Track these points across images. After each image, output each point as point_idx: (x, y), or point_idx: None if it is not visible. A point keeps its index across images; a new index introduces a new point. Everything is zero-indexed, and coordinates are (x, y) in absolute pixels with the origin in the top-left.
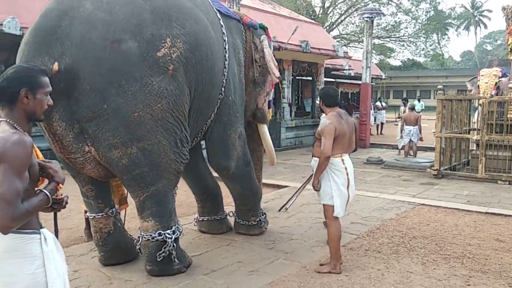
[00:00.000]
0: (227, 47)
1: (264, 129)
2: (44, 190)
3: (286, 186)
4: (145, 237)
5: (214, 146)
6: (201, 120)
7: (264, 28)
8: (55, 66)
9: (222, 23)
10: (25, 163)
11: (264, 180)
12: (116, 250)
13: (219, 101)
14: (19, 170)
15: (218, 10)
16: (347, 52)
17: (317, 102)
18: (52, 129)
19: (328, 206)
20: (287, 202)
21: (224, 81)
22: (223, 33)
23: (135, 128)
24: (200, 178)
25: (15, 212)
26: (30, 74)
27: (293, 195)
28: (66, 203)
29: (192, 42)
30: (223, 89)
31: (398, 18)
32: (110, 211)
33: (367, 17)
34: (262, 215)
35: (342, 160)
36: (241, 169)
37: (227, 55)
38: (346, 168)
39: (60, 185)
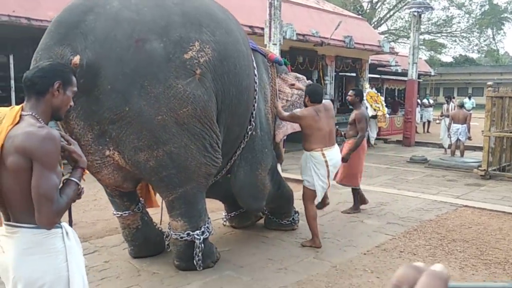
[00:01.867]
0: (257, 81)
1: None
2: (73, 179)
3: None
4: (174, 236)
5: (242, 188)
6: (228, 145)
7: (287, 64)
8: (76, 59)
9: (252, 56)
10: (57, 157)
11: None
12: (145, 244)
13: (247, 133)
14: (53, 165)
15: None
16: (393, 48)
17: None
18: (69, 127)
19: (310, 190)
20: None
21: (253, 111)
22: (254, 67)
23: (160, 132)
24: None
25: (58, 207)
26: (64, 69)
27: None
28: (82, 193)
29: (221, 51)
30: (252, 118)
31: (450, 12)
32: (136, 207)
33: (415, 12)
34: (295, 213)
35: (323, 154)
36: (272, 197)
37: (257, 89)
38: (326, 161)
39: (86, 170)
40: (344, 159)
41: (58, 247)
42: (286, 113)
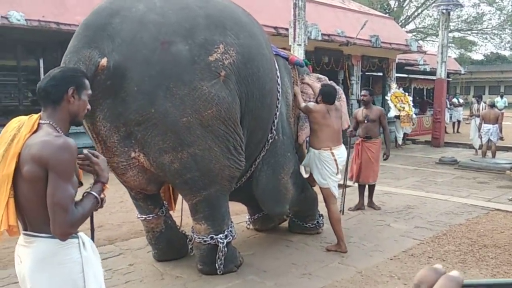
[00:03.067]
0: (279, 85)
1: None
2: (93, 193)
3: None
4: (197, 239)
5: (265, 192)
6: (251, 149)
7: (307, 64)
8: (104, 61)
9: (275, 60)
10: (73, 167)
11: None
12: (169, 248)
13: (270, 137)
14: (68, 175)
15: None
16: (421, 47)
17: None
18: (95, 128)
19: (325, 189)
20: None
21: (275, 115)
22: (276, 71)
23: (184, 134)
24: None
25: (73, 218)
26: (76, 74)
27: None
28: (104, 202)
29: (245, 54)
30: (274, 122)
31: (481, 9)
32: (160, 211)
33: (443, 9)
34: (319, 216)
35: (332, 153)
36: (295, 200)
37: (279, 93)
38: (335, 160)
39: (106, 185)
40: (387, 156)
41: (74, 258)
42: (303, 104)
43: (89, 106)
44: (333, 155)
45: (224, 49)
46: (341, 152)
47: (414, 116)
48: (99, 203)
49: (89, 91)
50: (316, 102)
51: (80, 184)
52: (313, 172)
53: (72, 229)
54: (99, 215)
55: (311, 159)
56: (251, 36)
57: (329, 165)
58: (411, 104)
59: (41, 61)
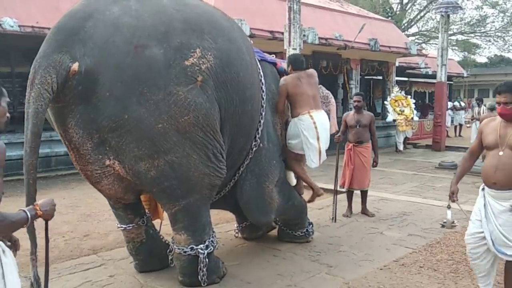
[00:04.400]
0: (264, 91)
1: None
2: (26, 211)
3: (344, 192)
4: (177, 250)
5: (249, 202)
6: (234, 157)
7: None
8: (75, 66)
9: (259, 66)
10: (0, 167)
11: (323, 185)
12: (150, 258)
13: (254, 144)
14: None
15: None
16: (421, 50)
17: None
18: (67, 135)
19: (294, 153)
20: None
21: (259, 122)
22: (260, 77)
23: (160, 141)
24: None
25: None
26: None
27: (333, 203)
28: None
29: (224, 59)
30: (258, 129)
31: (484, 11)
32: (141, 220)
33: (443, 12)
34: (309, 224)
35: (311, 116)
36: (282, 209)
37: (263, 99)
38: (314, 123)
39: (40, 212)
40: (376, 163)
41: None
42: (279, 98)
43: (8, 115)
44: (312, 118)
45: (201, 53)
46: (320, 116)
47: (416, 118)
48: (27, 222)
49: (6, 98)
50: (287, 74)
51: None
52: (287, 138)
53: None
54: (87, 224)
55: (291, 128)
56: (230, 41)
57: (308, 129)
58: (413, 107)
59: None
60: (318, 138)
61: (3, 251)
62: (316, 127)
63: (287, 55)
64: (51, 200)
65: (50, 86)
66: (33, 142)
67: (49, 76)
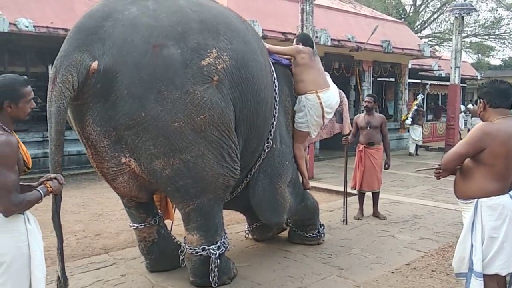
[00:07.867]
0: (277, 93)
1: None
2: (39, 190)
3: (355, 194)
4: (189, 250)
5: (261, 202)
6: (247, 158)
7: None
8: (94, 65)
9: (273, 68)
10: (14, 159)
11: (334, 187)
12: (161, 258)
13: (266, 146)
14: (10, 165)
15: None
16: (434, 52)
17: (401, 105)
18: (85, 133)
19: (301, 132)
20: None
21: (272, 123)
22: (274, 79)
23: (176, 139)
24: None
25: (16, 199)
26: (10, 87)
27: (344, 205)
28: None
29: (239, 60)
30: (271, 130)
31: (499, 13)
32: (153, 220)
33: (457, 14)
34: (321, 226)
35: (317, 96)
36: (294, 210)
37: (277, 101)
38: (321, 103)
39: (51, 189)
40: (388, 166)
41: (20, 229)
42: (287, 47)
43: (33, 105)
44: (319, 98)
45: (217, 53)
46: (328, 95)
47: (408, 123)
48: (41, 198)
49: (29, 97)
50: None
51: (28, 169)
52: (302, 118)
53: (14, 208)
54: (99, 223)
55: (299, 104)
56: (244, 42)
57: (314, 108)
58: (413, 109)
59: (50, 68)
60: (323, 117)
61: (28, 219)
62: (322, 107)
63: None
64: (60, 179)
65: (71, 85)
66: (57, 140)
67: (70, 75)
